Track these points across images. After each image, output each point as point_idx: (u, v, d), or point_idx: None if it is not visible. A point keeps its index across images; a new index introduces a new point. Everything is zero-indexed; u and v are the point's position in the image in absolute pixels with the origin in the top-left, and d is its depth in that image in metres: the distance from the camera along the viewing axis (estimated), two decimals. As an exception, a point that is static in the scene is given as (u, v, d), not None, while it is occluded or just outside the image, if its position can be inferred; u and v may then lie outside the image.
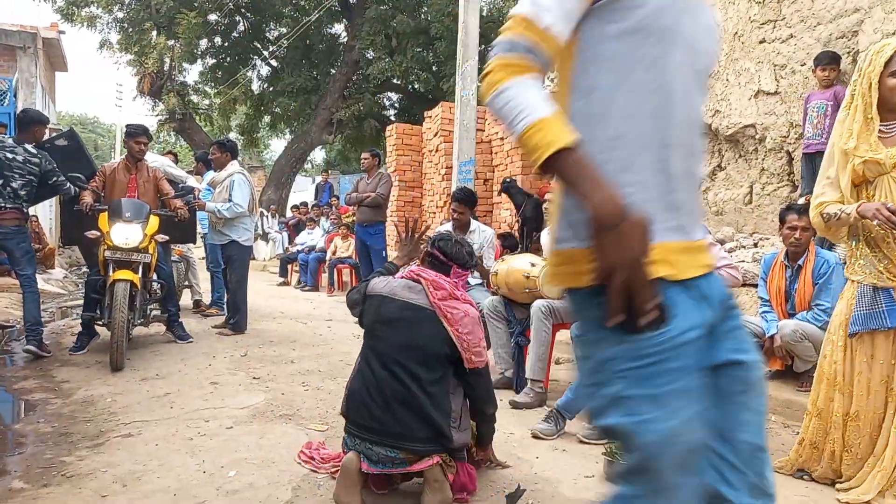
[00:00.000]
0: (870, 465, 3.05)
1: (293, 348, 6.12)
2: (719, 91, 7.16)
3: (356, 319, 3.04)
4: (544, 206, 8.36)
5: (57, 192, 5.82)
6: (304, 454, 3.30)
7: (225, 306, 7.74)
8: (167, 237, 5.96)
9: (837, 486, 3.11)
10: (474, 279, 5.59)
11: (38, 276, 10.81)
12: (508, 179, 9.40)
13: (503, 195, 9.59)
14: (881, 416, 3.06)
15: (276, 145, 39.12)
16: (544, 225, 5.24)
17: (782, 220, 4.55)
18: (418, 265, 3.07)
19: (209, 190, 7.51)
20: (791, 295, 4.56)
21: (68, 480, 3.05)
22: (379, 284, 3.00)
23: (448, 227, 5.67)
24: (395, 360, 2.78)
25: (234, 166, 6.87)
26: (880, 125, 3.02)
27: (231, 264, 6.86)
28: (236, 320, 6.79)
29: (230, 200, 6.64)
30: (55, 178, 5.57)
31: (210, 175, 7.82)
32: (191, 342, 6.24)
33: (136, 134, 6.06)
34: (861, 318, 3.04)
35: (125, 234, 5.35)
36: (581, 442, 3.74)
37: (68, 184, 5.63)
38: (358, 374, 2.89)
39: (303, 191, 25.03)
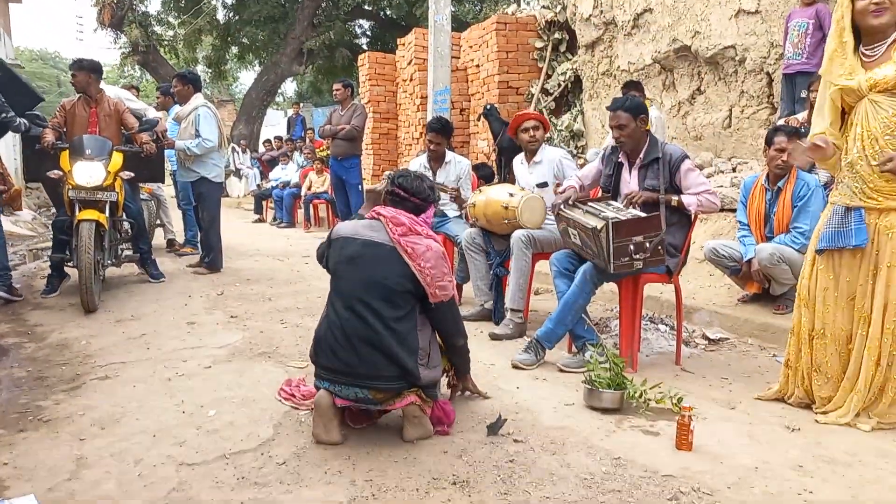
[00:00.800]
0: (845, 388, 3.09)
1: (270, 286, 6.06)
2: (699, 11, 6.99)
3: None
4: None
5: (7, 129, 5.56)
6: (285, 391, 3.28)
7: (199, 245, 7.63)
8: (132, 174, 5.76)
9: (815, 409, 3.15)
10: (452, 211, 5.51)
11: (5, 218, 10.59)
12: (489, 105, 9.25)
13: (482, 121, 9.46)
14: (848, 334, 3.10)
15: (246, 78, 38.08)
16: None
17: (769, 142, 4.50)
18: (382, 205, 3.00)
19: (175, 124, 7.27)
20: (770, 218, 4.55)
21: (45, 425, 3.01)
22: (343, 228, 2.97)
23: (423, 159, 5.55)
24: (357, 298, 2.75)
25: (198, 99, 6.61)
26: (864, 49, 2.97)
27: (202, 202, 6.71)
28: (211, 259, 6.69)
29: (198, 135, 6.43)
30: (3, 115, 5.32)
31: (175, 109, 7.55)
32: (163, 281, 6.15)
33: (70, 67, 5.84)
34: (829, 236, 3.10)
35: (87, 172, 5.17)
36: (561, 371, 3.76)
37: (18, 119, 5.38)
38: (324, 318, 2.88)
39: (274, 125, 24.53)
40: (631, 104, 3.91)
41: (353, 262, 2.82)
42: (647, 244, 3.57)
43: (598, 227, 3.54)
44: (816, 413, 3.13)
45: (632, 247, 3.55)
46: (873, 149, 2.92)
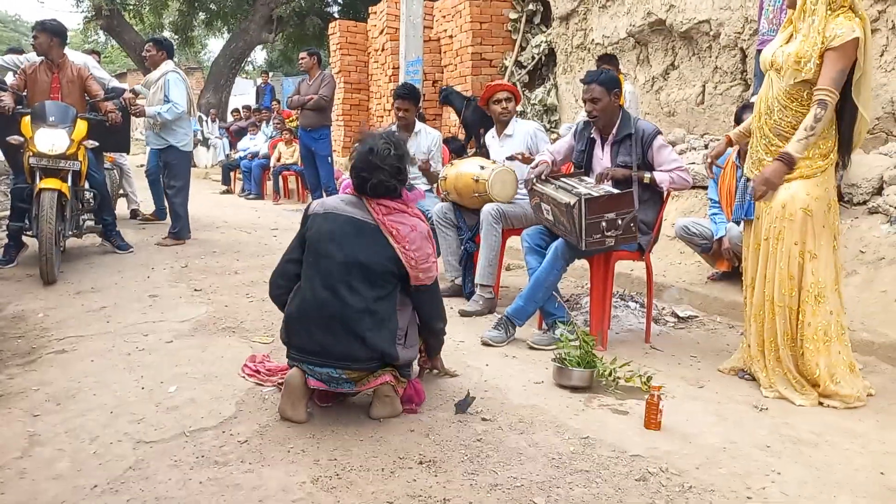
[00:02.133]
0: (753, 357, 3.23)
1: (237, 259, 5.93)
2: (674, -15, 6.91)
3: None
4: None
5: None
6: (249, 367, 3.20)
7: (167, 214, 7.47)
8: (97, 143, 5.58)
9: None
10: (423, 185, 5.42)
11: (-40, 185, 10.21)
12: (445, 87, 9.17)
13: (443, 106, 9.38)
14: (759, 305, 3.18)
15: (214, 45, 37.31)
16: (490, 125, 5.05)
17: (738, 120, 4.48)
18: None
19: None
20: (741, 195, 4.55)
21: (-4, 401, 2.90)
22: (323, 203, 2.84)
23: (393, 129, 5.43)
24: (337, 278, 2.64)
25: (168, 65, 6.48)
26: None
27: (170, 170, 6.56)
28: (178, 229, 6.54)
29: (167, 101, 6.28)
30: None
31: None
32: (131, 252, 5.99)
33: (32, 29, 5.62)
34: (736, 208, 3.33)
35: (50, 139, 4.98)
36: (531, 348, 3.73)
37: None
38: (296, 296, 2.75)
39: (243, 94, 24.00)
40: (605, 77, 3.84)
41: (335, 239, 2.68)
42: (620, 221, 3.53)
43: (571, 203, 3.48)
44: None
45: (604, 224, 3.51)
46: (768, 122, 3.10)
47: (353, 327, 2.61)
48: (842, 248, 3.20)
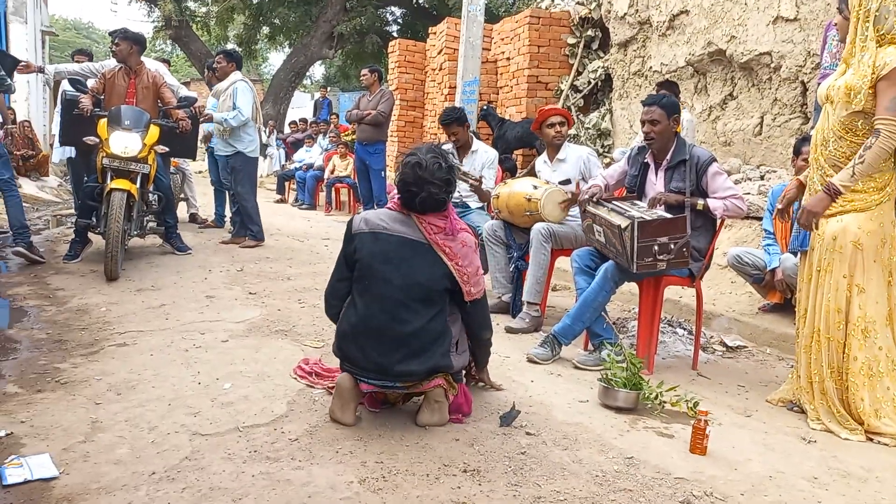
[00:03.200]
0: (802, 388, 3.21)
1: (290, 265, 6.08)
2: (736, 15, 6.90)
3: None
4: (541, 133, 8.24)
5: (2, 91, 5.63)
6: (302, 369, 3.29)
7: (226, 221, 7.72)
8: (167, 149, 5.81)
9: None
10: (475, 202, 5.48)
11: (32, 182, 10.71)
12: (486, 105, 9.32)
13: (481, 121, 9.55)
14: (809, 336, 3.17)
15: (275, 59, 38.15)
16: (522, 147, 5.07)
17: (797, 152, 4.47)
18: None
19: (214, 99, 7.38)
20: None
21: (62, 387, 3.05)
22: (369, 218, 2.80)
23: (450, 147, 5.51)
24: (395, 300, 2.67)
25: (236, 75, 6.78)
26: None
27: (237, 176, 6.78)
28: (255, 231, 6.82)
29: (234, 108, 6.55)
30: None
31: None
32: (190, 254, 6.19)
33: (113, 35, 5.88)
34: (793, 238, 3.31)
35: (124, 142, 5.21)
36: (576, 367, 3.74)
37: (8, 80, 5.43)
38: (349, 313, 2.77)
39: (301, 107, 24.56)
40: (667, 102, 3.88)
41: (390, 261, 2.69)
42: (672, 246, 3.54)
43: (624, 226, 3.51)
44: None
45: (656, 247, 3.52)
46: (824, 153, 3.10)
47: (411, 347, 2.66)
48: (899, 284, 3.13)
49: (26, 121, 12.26)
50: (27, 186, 10.38)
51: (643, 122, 3.90)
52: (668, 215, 3.64)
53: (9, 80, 5.41)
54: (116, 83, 5.73)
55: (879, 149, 2.88)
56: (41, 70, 6.88)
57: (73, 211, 7.01)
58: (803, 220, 3.08)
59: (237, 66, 6.86)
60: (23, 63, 5.83)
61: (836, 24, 3.17)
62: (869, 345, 2.99)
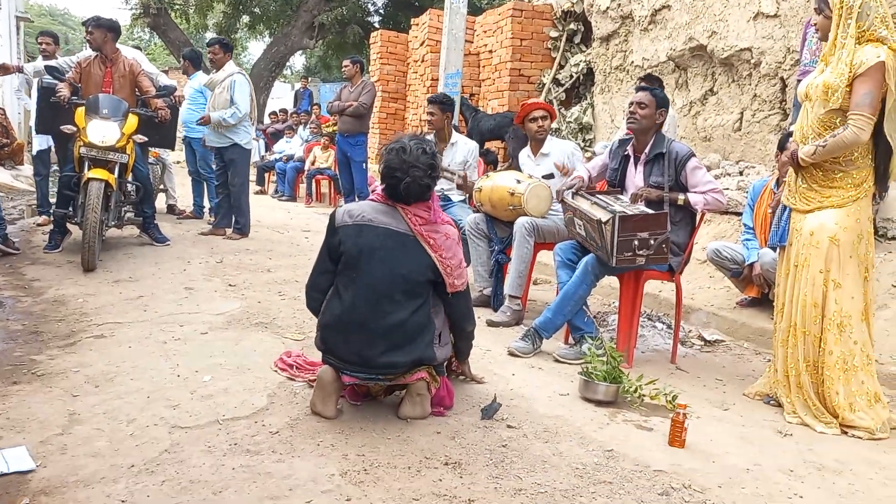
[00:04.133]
0: (779, 381, 3.26)
1: (269, 257, 6.04)
2: (717, 11, 6.94)
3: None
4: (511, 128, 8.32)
5: None
6: (283, 361, 3.27)
7: (205, 212, 7.67)
8: (146, 138, 5.73)
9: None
10: (457, 195, 5.48)
11: (6, 172, 10.52)
12: (464, 96, 9.41)
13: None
14: (785, 330, 3.22)
15: (255, 48, 37.85)
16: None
17: (781, 147, 4.51)
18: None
19: (201, 92, 7.30)
20: (776, 223, 4.56)
21: (38, 379, 3.01)
22: (352, 210, 2.79)
23: (430, 138, 5.51)
24: (380, 291, 2.67)
25: (232, 66, 6.74)
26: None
27: (233, 167, 6.74)
28: (242, 224, 6.82)
29: (232, 102, 6.52)
30: None
31: (204, 77, 7.48)
32: (168, 245, 6.13)
33: (86, 24, 5.81)
34: (772, 234, 3.46)
35: (102, 132, 5.14)
36: (557, 361, 3.76)
37: None
38: (331, 305, 2.76)
39: (281, 97, 24.35)
40: (660, 94, 3.94)
41: (375, 252, 2.69)
42: (652, 241, 3.56)
43: (605, 220, 3.53)
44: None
45: (636, 242, 3.54)
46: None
47: (394, 339, 2.66)
48: (874, 280, 3.18)
49: (1, 109, 12.04)
50: (1, 175, 10.21)
51: (631, 104, 3.93)
52: (650, 211, 3.66)
53: None
54: (92, 72, 5.64)
55: (842, 140, 2.93)
56: (20, 70, 6.77)
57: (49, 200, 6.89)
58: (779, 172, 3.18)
59: (230, 57, 6.81)
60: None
61: (815, 24, 3.19)
62: (844, 339, 3.04)
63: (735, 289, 4.95)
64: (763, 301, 4.70)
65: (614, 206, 3.66)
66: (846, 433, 3.01)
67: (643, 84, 4.09)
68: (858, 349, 3.05)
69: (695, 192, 3.81)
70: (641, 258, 3.59)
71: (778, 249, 3.35)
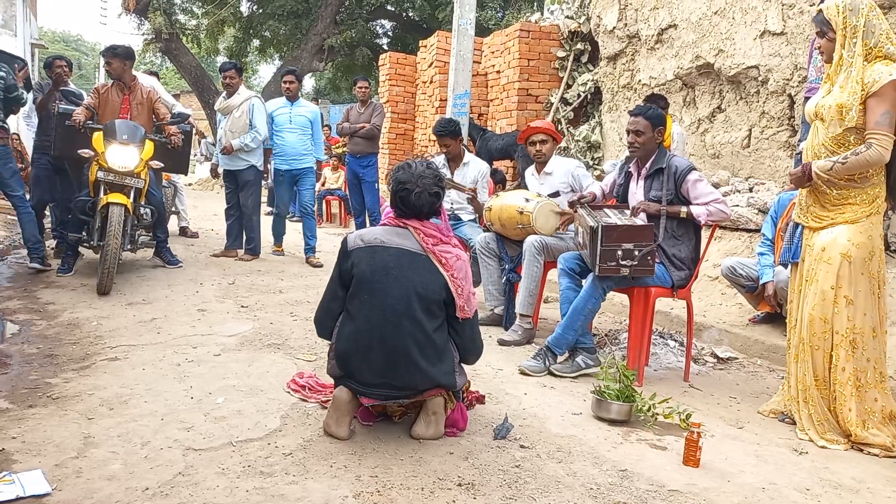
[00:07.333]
0: (793, 397, 3.23)
1: (281, 278, 6.07)
2: (724, 29, 6.97)
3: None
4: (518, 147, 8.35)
5: (16, 104, 5.70)
6: (296, 383, 3.29)
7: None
8: (162, 164, 5.80)
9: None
10: (467, 214, 5.51)
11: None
12: (471, 117, 9.49)
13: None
14: (798, 346, 3.19)
15: (265, 71, 38.26)
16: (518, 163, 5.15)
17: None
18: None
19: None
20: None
21: (54, 402, 3.03)
22: (365, 235, 2.82)
23: (442, 158, 5.54)
24: (400, 310, 2.68)
25: (246, 91, 6.89)
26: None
27: (248, 189, 6.85)
28: (253, 245, 6.91)
29: (251, 126, 6.66)
30: (16, 92, 5.49)
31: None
32: (181, 267, 6.18)
33: (104, 54, 5.93)
34: (783, 251, 3.40)
35: (121, 156, 5.21)
36: (553, 375, 3.77)
37: (24, 92, 5.49)
38: (351, 330, 2.74)
39: (292, 119, 24.50)
40: (653, 114, 3.93)
41: (390, 272, 2.70)
42: (637, 252, 3.60)
43: (594, 227, 3.61)
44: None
45: (620, 252, 3.60)
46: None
47: (415, 359, 2.67)
48: (886, 296, 3.17)
49: (15, 134, 12.19)
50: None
51: (628, 132, 3.97)
52: (639, 222, 3.72)
53: (24, 94, 5.49)
54: (110, 98, 5.73)
55: (865, 159, 2.92)
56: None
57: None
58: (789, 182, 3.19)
59: (243, 80, 6.99)
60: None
61: (818, 47, 3.20)
62: (857, 356, 3.02)
63: (747, 305, 4.93)
64: (776, 318, 4.68)
65: (610, 217, 3.73)
66: (861, 451, 2.98)
67: (637, 106, 4.11)
68: (871, 366, 3.03)
69: (697, 205, 3.82)
70: (625, 269, 3.63)
71: (790, 266, 3.35)
